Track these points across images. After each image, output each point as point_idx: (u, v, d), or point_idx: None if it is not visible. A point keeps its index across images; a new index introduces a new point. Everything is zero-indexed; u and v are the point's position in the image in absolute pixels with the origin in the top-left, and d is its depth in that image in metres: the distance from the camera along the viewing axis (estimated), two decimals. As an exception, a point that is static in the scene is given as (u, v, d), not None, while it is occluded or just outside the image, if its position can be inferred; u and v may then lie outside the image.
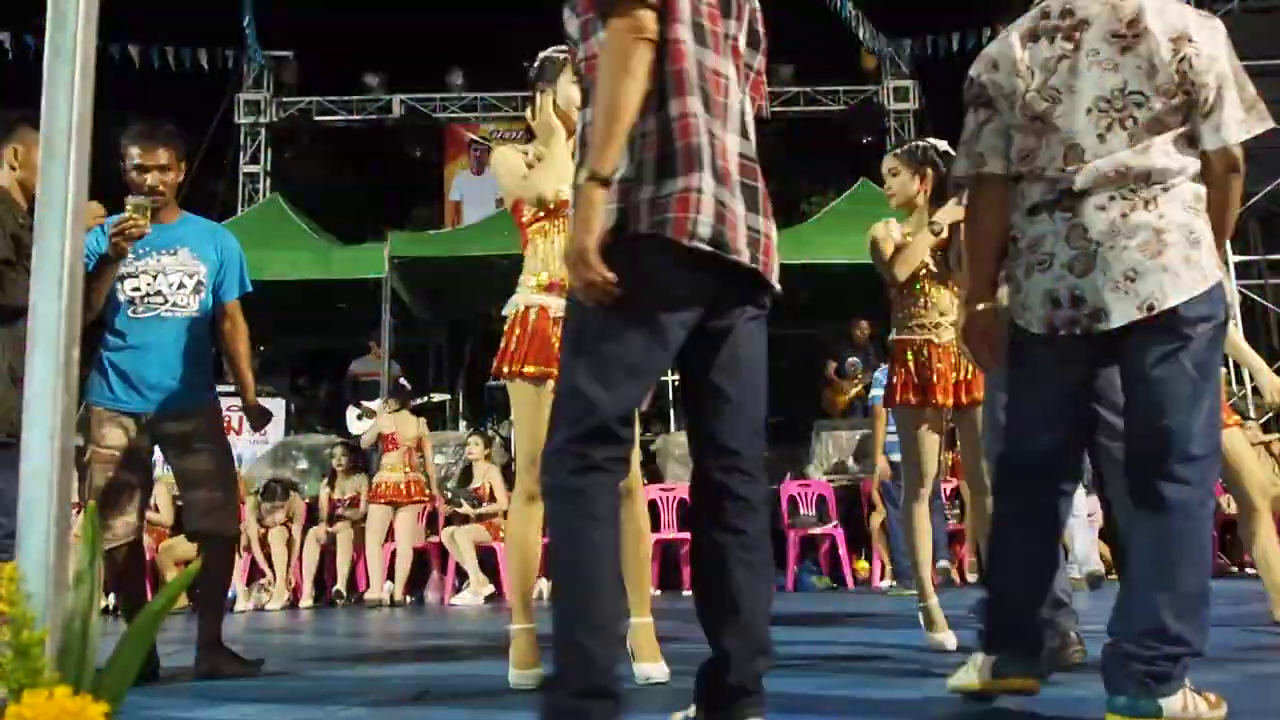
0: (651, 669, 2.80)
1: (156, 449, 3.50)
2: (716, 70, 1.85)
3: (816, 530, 7.82)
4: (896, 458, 6.78)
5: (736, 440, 1.86)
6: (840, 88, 14.01)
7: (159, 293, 3.45)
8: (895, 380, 3.50)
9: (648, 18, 1.76)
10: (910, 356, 3.46)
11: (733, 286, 1.85)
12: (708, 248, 1.77)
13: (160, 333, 3.43)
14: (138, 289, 3.44)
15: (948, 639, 3.34)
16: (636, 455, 2.84)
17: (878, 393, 6.80)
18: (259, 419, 3.78)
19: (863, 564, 7.60)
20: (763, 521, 1.87)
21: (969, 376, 3.38)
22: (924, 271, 3.46)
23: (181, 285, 3.48)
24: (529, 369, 2.85)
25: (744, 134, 1.91)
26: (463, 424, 10.33)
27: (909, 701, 2.50)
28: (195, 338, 3.51)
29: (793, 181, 16.82)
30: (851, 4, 12.69)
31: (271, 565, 7.31)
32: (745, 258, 1.82)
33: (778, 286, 1.91)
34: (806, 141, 15.09)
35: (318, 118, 13.91)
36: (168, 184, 3.42)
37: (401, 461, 7.44)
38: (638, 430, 2.59)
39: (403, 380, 8.35)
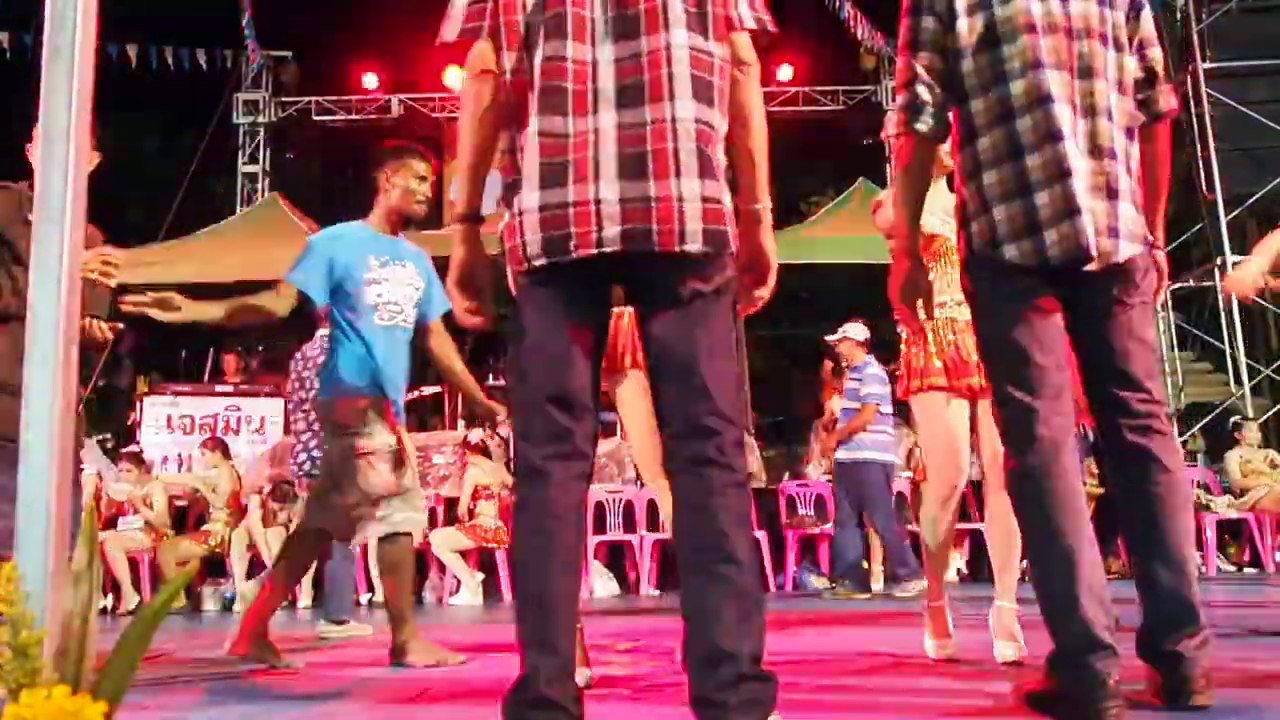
0: None
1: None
2: (579, 59, 1.81)
3: (815, 530, 7.82)
4: (870, 454, 6.67)
5: (670, 441, 1.83)
6: (839, 88, 14.00)
7: (396, 303, 3.59)
8: (916, 364, 3.14)
9: (483, 52, 1.87)
10: (931, 336, 3.13)
11: (638, 274, 1.82)
12: (542, 261, 1.78)
13: (398, 341, 3.60)
14: (380, 295, 3.56)
15: (947, 646, 3.12)
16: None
17: (870, 390, 6.72)
18: (492, 417, 3.97)
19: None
20: (703, 520, 1.76)
21: None
22: (942, 246, 3.19)
23: (409, 298, 3.64)
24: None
25: (634, 100, 1.80)
26: (461, 424, 10.31)
27: (908, 701, 2.50)
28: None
29: (792, 181, 16.82)
30: (851, 4, 12.68)
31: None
32: (614, 244, 1.76)
33: (689, 248, 1.77)
34: (805, 141, 15.07)
35: (317, 117, 13.91)
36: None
37: None
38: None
39: None
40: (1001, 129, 2.21)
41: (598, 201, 1.76)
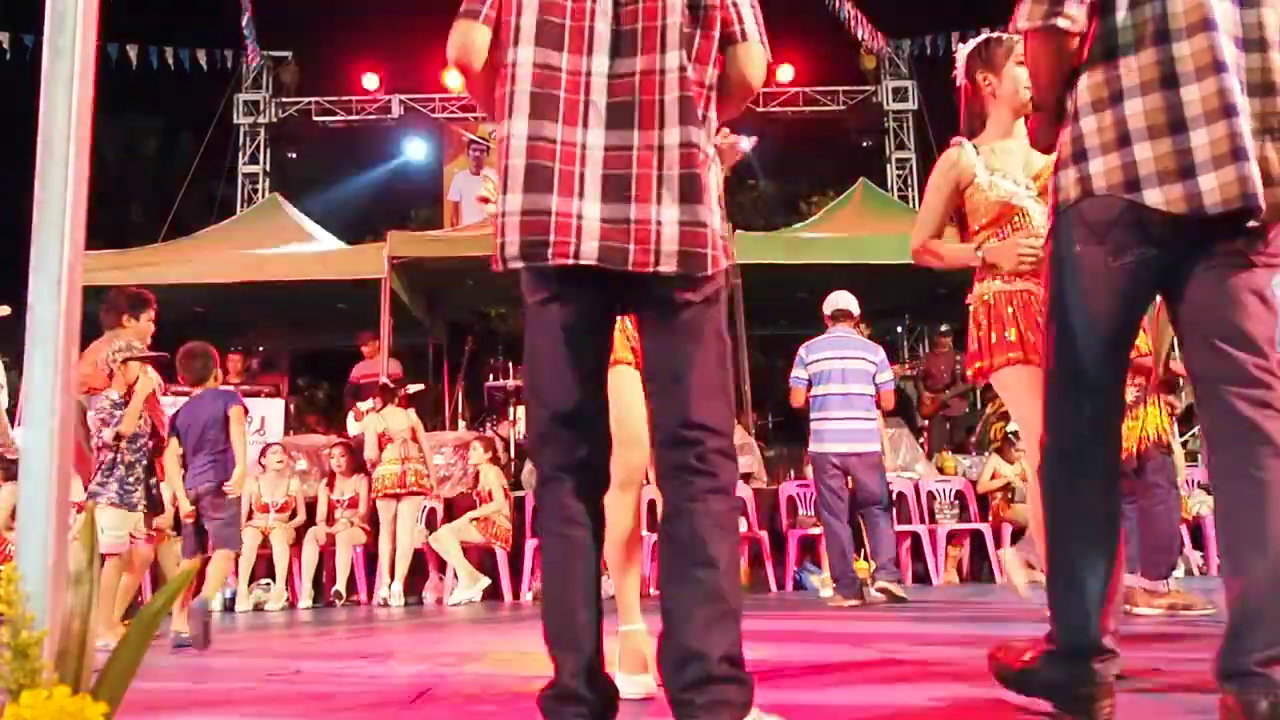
0: (623, 681, 2.42)
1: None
2: (573, 70, 1.83)
3: (815, 530, 7.81)
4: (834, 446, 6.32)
5: (655, 449, 1.88)
6: (839, 88, 13.98)
7: None
8: (989, 341, 2.98)
9: (470, 36, 1.88)
10: (1012, 310, 2.98)
11: (623, 287, 1.84)
12: (519, 264, 1.82)
13: None
14: None
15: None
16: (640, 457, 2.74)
17: (795, 373, 6.48)
18: None
19: (862, 564, 7.59)
20: (680, 525, 1.78)
21: None
22: (1019, 220, 2.99)
23: None
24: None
25: (624, 122, 1.82)
26: (461, 424, 10.32)
27: (906, 701, 2.50)
28: None
29: (791, 182, 16.83)
30: (850, 4, 12.68)
31: (271, 565, 7.30)
32: (590, 257, 1.78)
33: (663, 269, 1.78)
34: (805, 142, 15.08)
35: (317, 118, 13.90)
36: None
37: (398, 454, 7.47)
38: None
39: (384, 379, 8.38)
40: (1153, 51, 1.87)
41: (579, 217, 1.79)
